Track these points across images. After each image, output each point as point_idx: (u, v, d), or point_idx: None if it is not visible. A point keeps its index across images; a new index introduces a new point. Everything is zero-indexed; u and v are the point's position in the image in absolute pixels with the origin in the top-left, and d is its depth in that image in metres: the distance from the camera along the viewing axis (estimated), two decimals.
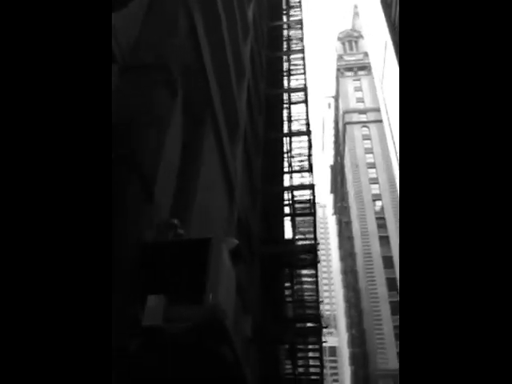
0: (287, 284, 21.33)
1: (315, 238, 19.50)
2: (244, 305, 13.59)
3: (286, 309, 20.28)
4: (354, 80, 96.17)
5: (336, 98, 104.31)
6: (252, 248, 16.81)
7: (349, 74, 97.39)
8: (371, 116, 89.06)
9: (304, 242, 20.65)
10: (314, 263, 18.81)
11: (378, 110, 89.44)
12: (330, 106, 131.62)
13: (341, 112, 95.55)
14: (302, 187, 20.60)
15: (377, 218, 76.69)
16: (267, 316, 17.89)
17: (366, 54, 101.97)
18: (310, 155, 22.12)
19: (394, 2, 33.82)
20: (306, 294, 22.00)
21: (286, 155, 22.56)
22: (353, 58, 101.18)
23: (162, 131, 6.44)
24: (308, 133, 22.83)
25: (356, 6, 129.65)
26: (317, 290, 20.82)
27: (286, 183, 21.96)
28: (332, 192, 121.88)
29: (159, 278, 4.76)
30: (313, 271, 21.69)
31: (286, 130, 22.79)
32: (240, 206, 13.85)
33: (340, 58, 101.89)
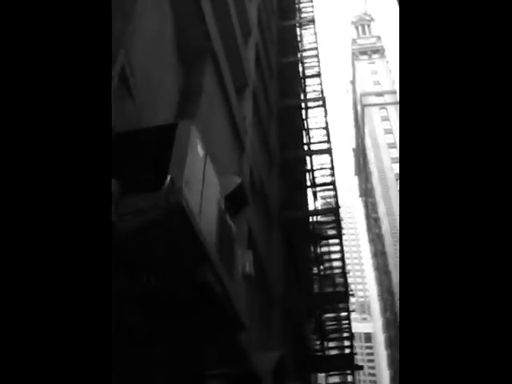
0: (311, 252, 20.84)
1: (337, 202, 18.95)
2: (257, 260, 13.20)
3: (312, 279, 19.78)
4: (369, 63, 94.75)
5: (353, 82, 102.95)
6: (270, 211, 16.38)
7: (363, 57, 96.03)
8: (388, 98, 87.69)
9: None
10: (337, 225, 18.19)
11: (394, 92, 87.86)
12: (347, 91, 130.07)
13: (358, 95, 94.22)
14: (320, 152, 20.01)
15: None
16: (291, 285, 17.47)
17: (378, 38, 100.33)
18: (327, 126, 21.57)
19: None
20: (331, 263, 21.41)
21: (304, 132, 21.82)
22: (367, 42, 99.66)
23: None
24: (323, 103, 22.22)
25: (364, 18, 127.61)
26: (342, 258, 20.20)
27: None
28: (356, 174, 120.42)
29: (120, 168, 3.66)
30: (337, 240, 21.16)
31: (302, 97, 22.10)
32: (252, 161, 13.44)
33: (354, 41, 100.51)
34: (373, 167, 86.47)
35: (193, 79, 8.94)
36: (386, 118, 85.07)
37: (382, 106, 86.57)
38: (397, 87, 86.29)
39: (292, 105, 21.07)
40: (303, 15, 26.80)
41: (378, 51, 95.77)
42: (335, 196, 19.16)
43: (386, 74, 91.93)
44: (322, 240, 21.63)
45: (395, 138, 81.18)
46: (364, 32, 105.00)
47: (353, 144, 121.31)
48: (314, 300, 16.75)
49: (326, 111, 21.63)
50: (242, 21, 14.34)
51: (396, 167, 78.20)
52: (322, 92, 21.71)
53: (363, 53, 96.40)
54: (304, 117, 21.99)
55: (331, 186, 20.46)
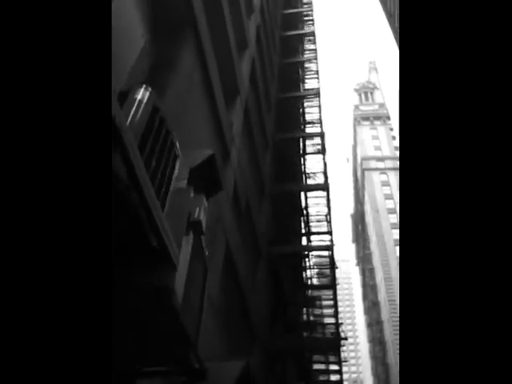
0: (301, 296, 19.10)
1: (331, 239, 17.46)
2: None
3: (300, 322, 17.89)
4: (371, 129, 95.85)
5: (354, 147, 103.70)
6: (257, 241, 14.91)
7: (365, 123, 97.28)
8: (389, 163, 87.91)
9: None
10: (331, 263, 16.60)
11: (395, 158, 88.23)
12: (348, 160, 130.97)
13: (359, 160, 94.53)
14: (316, 187, 18.72)
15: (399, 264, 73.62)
16: (277, 326, 15.70)
17: (381, 105, 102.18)
18: (325, 172, 20.43)
19: None
20: (322, 310, 19.49)
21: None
22: (369, 108, 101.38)
23: None
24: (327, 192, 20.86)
25: (371, 62, 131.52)
26: (335, 305, 18.39)
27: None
28: (354, 241, 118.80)
29: None
30: (330, 291, 19.45)
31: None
32: (238, 174, 12.17)
33: (356, 108, 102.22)
34: (371, 232, 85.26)
35: (168, 51, 7.87)
36: (386, 183, 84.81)
37: (383, 171, 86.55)
38: (398, 152, 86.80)
39: (292, 190, 19.64)
40: (307, 86, 25.79)
41: (381, 118, 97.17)
42: (330, 232, 17.69)
43: (387, 140, 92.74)
44: (314, 289, 20.00)
45: (395, 203, 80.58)
46: (367, 99, 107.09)
47: (351, 210, 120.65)
48: (303, 342, 14.89)
49: (328, 200, 19.72)
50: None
51: (395, 233, 76.93)
52: (326, 178, 19.57)
53: (365, 119, 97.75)
54: (304, 205, 20.26)
55: (326, 228, 19.06)
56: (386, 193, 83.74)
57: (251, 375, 5.37)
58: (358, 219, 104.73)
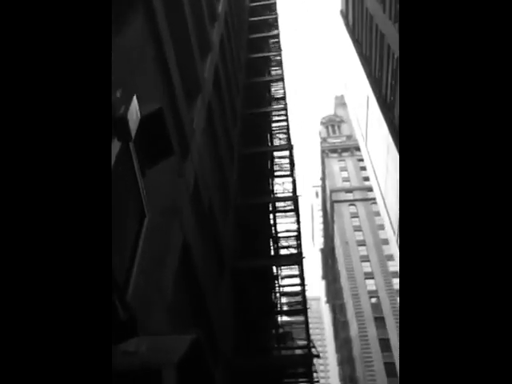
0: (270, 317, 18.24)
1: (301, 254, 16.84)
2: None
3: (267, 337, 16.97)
4: (339, 160, 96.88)
5: (323, 179, 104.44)
6: (222, 254, 14.16)
7: (333, 155, 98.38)
8: (358, 195, 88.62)
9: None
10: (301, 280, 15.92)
11: (364, 188, 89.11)
12: (317, 194, 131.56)
13: (328, 192, 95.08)
14: (285, 199, 18.17)
15: (370, 297, 73.24)
16: (240, 345, 14.79)
17: (349, 137, 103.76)
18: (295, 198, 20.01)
19: (395, 106, 30.54)
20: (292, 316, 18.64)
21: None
22: (337, 140, 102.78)
23: None
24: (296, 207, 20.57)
25: (337, 97, 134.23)
26: (306, 322, 17.58)
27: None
28: (324, 278, 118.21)
29: None
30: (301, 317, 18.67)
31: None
32: (199, 170, 11.53)
33: (324, 140, 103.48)
34: (341, 266, 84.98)
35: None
36: (355, 215, 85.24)
37: (352, 202, 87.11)
38: (367, 183, 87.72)
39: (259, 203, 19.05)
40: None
41: (349, 149, 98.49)
42: (299, 246, 17.04)
43: (355, 171, 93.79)
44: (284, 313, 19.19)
45: (364, 235, 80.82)
46: (334, 131, 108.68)
47: (320, 245, 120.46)
48: (271, 361, 13.97)
49: (298, 214, 19.17)
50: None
51: (365, 266, 76.85)
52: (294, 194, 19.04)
53: (333, 151, 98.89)
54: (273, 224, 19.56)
55: (295, 245, 18.44)
56: (355, 224, 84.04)
57: (202, 351, 4.62)
58: (328, 253, 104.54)
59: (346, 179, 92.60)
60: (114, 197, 3.66)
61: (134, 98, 3.84)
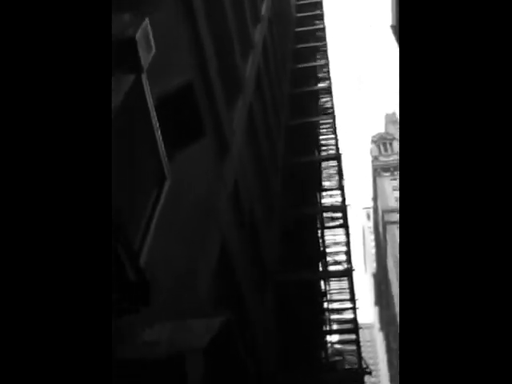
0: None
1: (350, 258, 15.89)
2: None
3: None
4: (392, 180, 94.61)
5: (374, 199, 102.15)
6: (264, 269, 13.46)
7: (386, 174, 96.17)
8: None
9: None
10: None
11: None
12: (369, 217, 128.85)
13: (380, 212, 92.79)
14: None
15: None
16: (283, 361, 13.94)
17: None
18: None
19: None
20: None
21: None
22: (389, 159, 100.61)
23: None
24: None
25: (388, 114, 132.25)
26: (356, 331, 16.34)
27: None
28: (377, 304, 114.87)
29: None
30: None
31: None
32: (239, 172, 10.96)
33: (375, 158, 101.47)
34: (395, 291, 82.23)
35: None
36: None
37: None
38: None
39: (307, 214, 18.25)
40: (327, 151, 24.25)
41: None
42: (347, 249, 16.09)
43: None
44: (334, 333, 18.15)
45: None
46: (386, 149, 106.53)
47: (372, 270, 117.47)
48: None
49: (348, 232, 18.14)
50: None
51: None
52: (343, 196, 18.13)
53: (386, 169, 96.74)
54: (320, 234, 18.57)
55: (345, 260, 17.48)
56: None
57: (233, 332, 4.39)
58: (381, 278, 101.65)
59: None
60: (126, 154, 3.26)
61: (146, 20, 3.29)
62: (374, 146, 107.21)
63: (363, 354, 16.04)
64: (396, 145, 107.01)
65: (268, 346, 11.93)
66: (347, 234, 16.90)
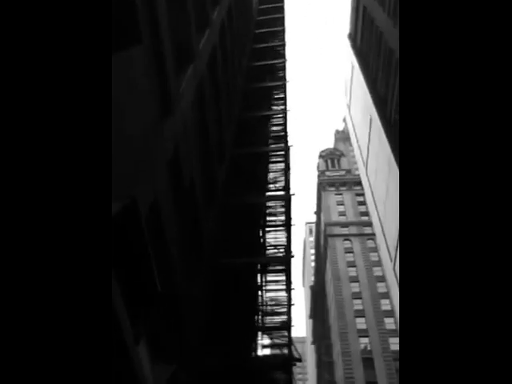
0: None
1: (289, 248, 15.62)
2: None
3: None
4: (336, 194, 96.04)
5: (317, 214, 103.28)
6: (202, 243, 13.00)
7: (331, 188, 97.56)
8: (353, 229, 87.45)
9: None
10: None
11: (359, 223, 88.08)
12: (311, 232, 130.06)
13: (322, 226, 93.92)
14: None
15: (359, 337, 71.09)
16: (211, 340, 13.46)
17: (348, 171, 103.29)
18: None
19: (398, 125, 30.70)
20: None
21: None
22: (335, 174, 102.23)
23: None
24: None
25: (338, 132, 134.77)
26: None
27: None
28: (311, 317, 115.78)
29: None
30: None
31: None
32: (181, 136, 10.50)
33: (322, 173, 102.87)
34: (331, 303, 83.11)
35: None
36: (349, 250, 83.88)
37: (347, 237, 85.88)
38: (365, 218, 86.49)
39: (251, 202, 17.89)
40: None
41: (347, 183, 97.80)
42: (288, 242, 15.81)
43: (352, 205, 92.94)
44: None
45: (358, 271, 79.29)
46: (333, 165, 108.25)
47: (310, 283, 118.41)
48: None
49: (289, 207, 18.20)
50: None
51: (356, 303, 75.08)
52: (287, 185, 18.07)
53: (331, 184, 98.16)
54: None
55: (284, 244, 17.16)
56: (348, 260, 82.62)
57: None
58: (318, 291, 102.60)
59: (343, 213, 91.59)
60: None
61: None
62: (321, 160, 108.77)
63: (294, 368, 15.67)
64: (343, 161, 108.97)
65: (195, 321, 11.42)
66: (288, 224, 16.68)
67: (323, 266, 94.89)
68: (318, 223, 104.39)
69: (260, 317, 16.04)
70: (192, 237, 12.10)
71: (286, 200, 17.19)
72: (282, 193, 17.96)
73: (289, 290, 16.37)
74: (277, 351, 14.20)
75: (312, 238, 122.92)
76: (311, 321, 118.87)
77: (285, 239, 16.47)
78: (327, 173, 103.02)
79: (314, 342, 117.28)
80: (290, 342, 13.36)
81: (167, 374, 6.79)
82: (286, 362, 12.41)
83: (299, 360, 12.03)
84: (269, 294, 16.07)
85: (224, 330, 13.34)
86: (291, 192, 18.02)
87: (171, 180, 9.73)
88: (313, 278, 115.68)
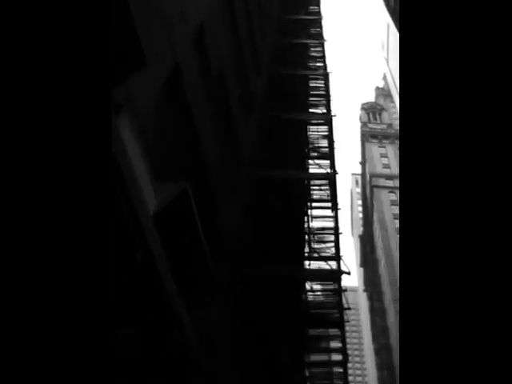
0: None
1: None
2: None
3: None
4: (380, 147, 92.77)
5: (362, 164, 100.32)
6: (237, 149, 11.57)
7: (374, 140, 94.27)
8: (398, 183, 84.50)
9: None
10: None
11: None
12: (357, 183, 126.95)
13: (368, 176, 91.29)
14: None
15: None
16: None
17: (389, 125, 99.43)
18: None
19: None
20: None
21: None
22: (378, 127, 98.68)
23: None
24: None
25: (378, 88, 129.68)
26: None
27: None
28: (362, 265, 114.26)
29: None
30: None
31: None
32: (207, 23, 8.94)
33: (364, 125, 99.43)
34: (380, 254, 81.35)
35: None
36: (395, 203, 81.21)
37: (392, 189, 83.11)
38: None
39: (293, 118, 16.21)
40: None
41: (389, 137, 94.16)
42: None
43: (396, 159, 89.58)
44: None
45: None
46: (375, 118, 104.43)
47: (359, 233, 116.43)
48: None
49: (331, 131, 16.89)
50: None
51: None
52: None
53: (374, 136, 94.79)
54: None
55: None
56: (394, 213, 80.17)
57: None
58: (367, 240, 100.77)
59: (387, 166, 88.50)
60: None
61: None
62: (363, 112, 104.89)
63: (346, 317, 14.12)
64: (385, 115, 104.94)
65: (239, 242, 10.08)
66: (331, 143, 15.05)
67: (370, 217, 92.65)
68: (363, 175, 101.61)
69: (307, 236, 14.72)
70: (228, 143, 10.70)
71: (328, 120, 15.50)
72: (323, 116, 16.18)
73: (335, 208, 14.86)
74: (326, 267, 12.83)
75: (359, 189, 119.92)
76: (362, 270, 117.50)
77: (328, 162, 14.91)
78: (369, 125, 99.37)
79: (365, 290, 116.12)
80: (338, 255, 12.01)
81: None
82: (335, 273, 11.04)
83: (348, 273, 10.65)
84: (315, 213, 14.70)
85: (271, 243, 12.09)
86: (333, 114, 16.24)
87: (196, 58, 8.26)
88: (361, 229, 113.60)
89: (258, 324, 9.81)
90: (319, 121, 15.32)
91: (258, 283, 10.10)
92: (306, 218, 14.70)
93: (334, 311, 13.14)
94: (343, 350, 13.18)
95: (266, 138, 14.22)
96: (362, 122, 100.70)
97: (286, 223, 12.49)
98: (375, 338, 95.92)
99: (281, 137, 14.29)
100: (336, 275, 10.78)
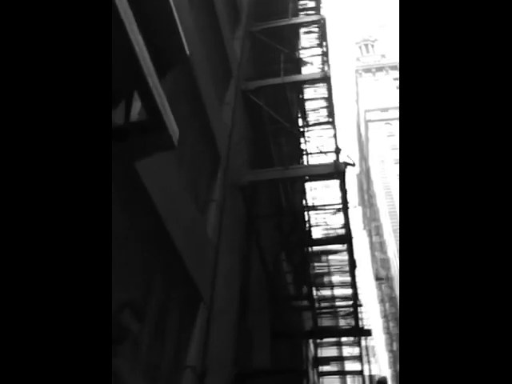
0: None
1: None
2: None
3: None
4: (374, 80, 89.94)
5: (356, 101, 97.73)
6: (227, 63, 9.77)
7: (368, 75, 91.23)
8: (394, 113, 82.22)
9: None
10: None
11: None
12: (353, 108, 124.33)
13: (362, 112, 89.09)
14: None
15: None
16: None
17: (383, 56, 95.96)
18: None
19: None
20: None
21: None
22: (371, 60, 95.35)
23: None
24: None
25: (368, 39, 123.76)
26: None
27: None
28: (360, 204, 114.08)
29: None
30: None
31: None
32: None
33: (358, 60, 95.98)
34: (377, 187, 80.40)
35: None
36: (391, 134, 79.43)
37: (388, 121, 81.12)
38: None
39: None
40: None
41: (383, 68, 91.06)
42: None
43: (390, 90, 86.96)
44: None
45: None
46: (368, 51, 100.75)
47: (356, 171, 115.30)
48: None
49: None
50: None
51: None
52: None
53: (367, 70, 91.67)
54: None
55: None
56: (392, 144, 78.61)
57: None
58: (363, 177, 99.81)
59: (381, 98, 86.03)
60: None
61: None
62: (357, 47, 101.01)
63: None
64: (378, 46, 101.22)
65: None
66: (324, 47, 13.15)
67: (365, 152, 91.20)
68: (357, 111, 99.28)
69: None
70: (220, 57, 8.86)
71: (319, 22, 13.53)
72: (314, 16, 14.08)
73: (332, 115, 13.20)
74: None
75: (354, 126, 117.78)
76: (360, 208, 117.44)
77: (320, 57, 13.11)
78: (362, 59, 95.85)
79: (364, 228, 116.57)
80: (337, 148, 10.58)
81: None
82: (339, 166, 9.54)
83: (353, 164, 9.28)
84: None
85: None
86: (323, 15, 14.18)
87: None
88: (358, 168, 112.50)
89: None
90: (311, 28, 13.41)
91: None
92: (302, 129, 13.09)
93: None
94: (352, 262, 11.87)
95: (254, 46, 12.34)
96: (355, 58, 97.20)
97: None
98: (375, 271, 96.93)
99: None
100: (340, 168, 9.29)
